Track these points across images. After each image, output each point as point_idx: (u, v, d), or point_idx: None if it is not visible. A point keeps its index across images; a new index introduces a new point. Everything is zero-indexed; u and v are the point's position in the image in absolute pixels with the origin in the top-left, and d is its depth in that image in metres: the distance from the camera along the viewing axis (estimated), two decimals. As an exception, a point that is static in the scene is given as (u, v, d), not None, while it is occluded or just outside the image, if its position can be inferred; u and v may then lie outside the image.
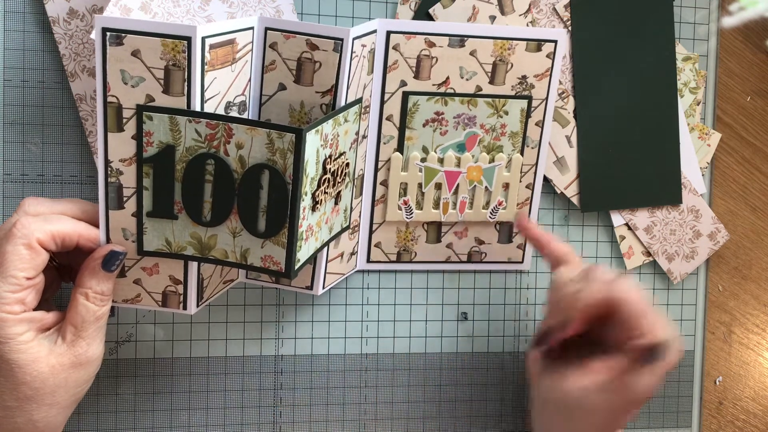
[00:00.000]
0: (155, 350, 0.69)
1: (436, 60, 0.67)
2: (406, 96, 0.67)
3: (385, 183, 0.69)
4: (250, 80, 0.60)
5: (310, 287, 0.66)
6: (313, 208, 0.58)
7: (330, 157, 0.59)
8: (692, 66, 0.75)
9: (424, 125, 0.68)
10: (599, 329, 0.62)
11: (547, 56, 0.69)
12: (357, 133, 0.64)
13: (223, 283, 0.65)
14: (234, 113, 0.59)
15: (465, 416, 0.75)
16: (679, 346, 0.59)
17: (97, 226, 0.58)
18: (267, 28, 0.59)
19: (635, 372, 0.57)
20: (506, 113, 0.69)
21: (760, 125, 0.78)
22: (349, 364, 0.73)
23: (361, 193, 0.69)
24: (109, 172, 0.56)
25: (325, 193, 0.60)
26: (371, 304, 0.73)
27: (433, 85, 0.68)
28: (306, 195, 0.56)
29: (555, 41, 0.68)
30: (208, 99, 0.55)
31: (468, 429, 0.75)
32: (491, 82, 0.68)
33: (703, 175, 0.77)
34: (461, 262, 0.73)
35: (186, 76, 0.54)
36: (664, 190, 0.75)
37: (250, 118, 0.61)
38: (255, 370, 0.71)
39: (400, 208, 0.70)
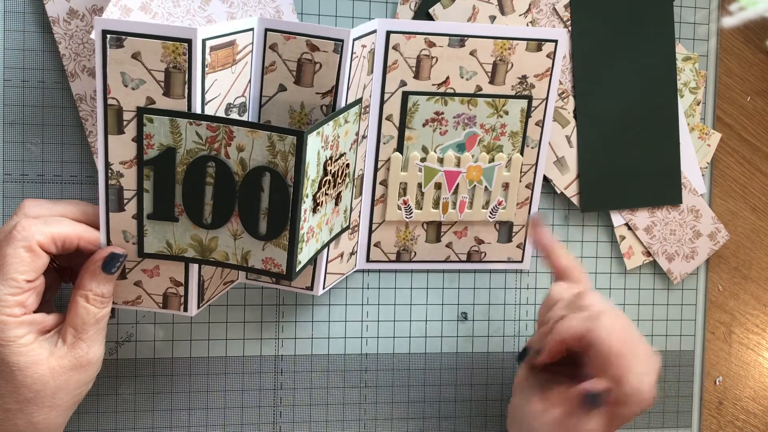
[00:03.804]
0: (155, 350, 0.69)
1: (436, 60, 0.67)
2: (405, 96, 0.67)
3: (384, 183, 0.69)
4: (250, 81, 0.60)
5: (311, 288, 0.66)
6: (314, 210, 0.58)
7: (331, 158, 0.59)
8: (692, 66, 0.75)
9: (423, 125, 0.68)
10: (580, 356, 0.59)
11: (548, 56, 0.69)
12: (357, 134, 0.64)
13: (223, 284, 0.65)
14: (234, 115, 0.59)
15: (465, 416, 0.75)
16: (653, 396, 0.56)
17: (97, 228, 0.58)
18: (267, 29, 0.59)
19: (582, 414, 0.56)
20: (506, 113, 0.69)
21: (760, 125, 0.78)
22: (349, 364, 0.73)
23: (360, 193, 0.69)
24: (109, 175, 0.56)
25: (326, 194, 0.59)
26: (371, 304, 0.73)
27: (433, 85, 0.67)
28: (307, 197, 0.56)
29: (555, 41, 0.68)
30: (209, 101, 0.55)
31: (468, 429, 0.75)
32: (491, 81, 0.68)
33: (703, 175, 0.77)
34: (461, 261, 0.73)
35: (186, 79, 0.53)
36: (664, 190, 0.75)
37: (249, 119, 0.61)
38: (255, 370, 0.71)
39: (399, 208, 0.70)
